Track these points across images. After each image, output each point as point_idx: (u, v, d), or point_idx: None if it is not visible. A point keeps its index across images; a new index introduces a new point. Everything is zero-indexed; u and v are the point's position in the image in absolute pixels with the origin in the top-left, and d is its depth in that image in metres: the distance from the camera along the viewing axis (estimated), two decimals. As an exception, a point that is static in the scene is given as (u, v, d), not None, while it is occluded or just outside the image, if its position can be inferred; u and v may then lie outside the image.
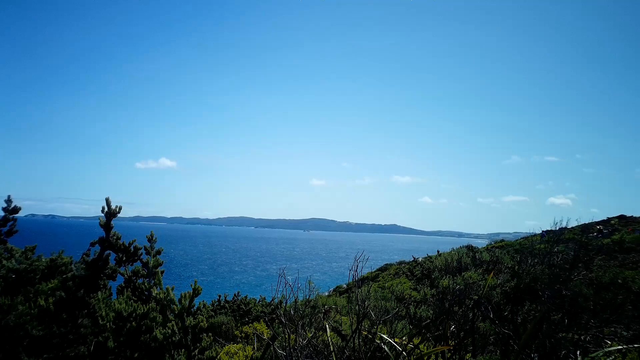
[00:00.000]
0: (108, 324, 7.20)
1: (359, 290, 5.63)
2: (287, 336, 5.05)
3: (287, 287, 5.62)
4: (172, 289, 8.05)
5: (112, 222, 7.57)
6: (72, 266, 7.86)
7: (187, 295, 7.64)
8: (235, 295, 17.90)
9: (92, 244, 9.13)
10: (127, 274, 9.38)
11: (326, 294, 29.91)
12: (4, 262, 8.48)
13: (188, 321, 7.39)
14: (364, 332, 5.02)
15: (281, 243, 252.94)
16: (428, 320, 6.12)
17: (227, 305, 16.80)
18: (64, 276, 7.51)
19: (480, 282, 8.71)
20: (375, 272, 33.34)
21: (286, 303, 5.76)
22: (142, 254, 9.40)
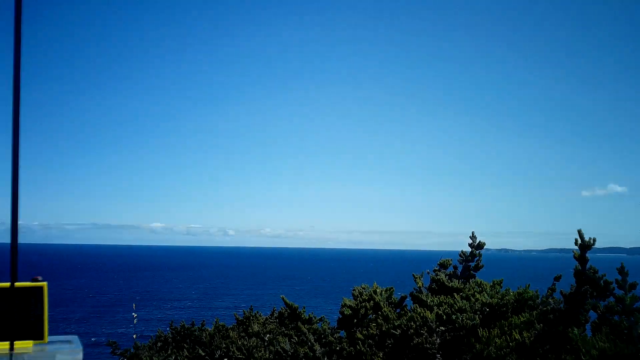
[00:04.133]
0: (588, 362, 6.83)
1: None
2: None
3: None
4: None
5: (586, 255, 7.28)
6: (550, 299, 7.85)
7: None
8: None
9: (556, 279, 8.93)
10: (599, 310, 8.80)
11: None
12: (477, 295, 9.15)
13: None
14: None
15: None
16: None
17: None
18: (543, 309, 7.55)
19: None
20: None
21: None
22: (613, 288, 8.69)
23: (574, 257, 7.21)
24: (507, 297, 8.70)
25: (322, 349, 8.70)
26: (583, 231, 7.33)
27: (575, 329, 6.85)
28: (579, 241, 7.12)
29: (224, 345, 9.27)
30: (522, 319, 7.92)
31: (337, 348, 8.73)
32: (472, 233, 10.16)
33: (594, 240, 7.12)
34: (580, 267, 7.35)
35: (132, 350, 10.00)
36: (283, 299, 10.95)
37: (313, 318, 10.73)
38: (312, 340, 8.84)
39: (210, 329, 10.83)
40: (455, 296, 9.01)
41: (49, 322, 3.06)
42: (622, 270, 8.93)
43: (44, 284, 2.90)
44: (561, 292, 7.91)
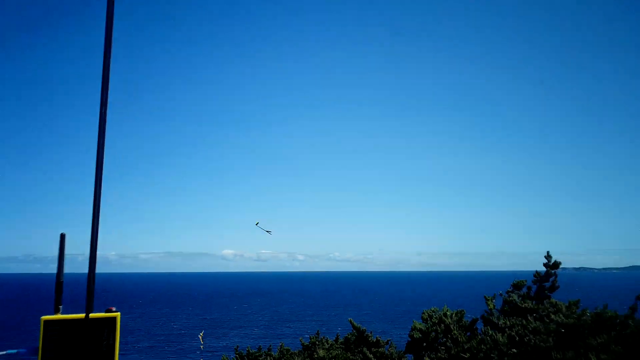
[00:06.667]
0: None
1: None
2: None
3: None
4: None
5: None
6: (630, 320, 7.45)
7: None
8: None
9: (638, 298, 8.42)
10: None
11: None
12: (552, 316, 8.76)
13: None
14: None
15: None
16: None
17: None
18: (623, 330, 7.16)
19: None
20: None
21: None
22: None
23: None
24: (583, 318, 8.29)
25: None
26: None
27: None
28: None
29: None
30: (599, 340, 7.53)
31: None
32: (547, 252, 9.86)
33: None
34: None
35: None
36: (350, 321, 10.90)
37: (380, 341, 10.59)
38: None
39: (275, 354, 10.89)
40: (529, 318, 8.68)
41: (120, 352, 3.19)
42: None
43: (117, 314, 3.03)
44: (630, 315, 7.50)
